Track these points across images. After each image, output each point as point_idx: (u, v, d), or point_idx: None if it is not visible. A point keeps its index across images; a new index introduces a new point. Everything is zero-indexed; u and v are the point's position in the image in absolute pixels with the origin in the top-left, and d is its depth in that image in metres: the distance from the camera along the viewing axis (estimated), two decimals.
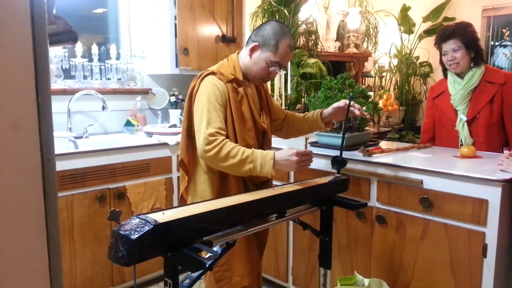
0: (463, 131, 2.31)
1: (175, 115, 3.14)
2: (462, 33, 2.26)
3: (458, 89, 2.31)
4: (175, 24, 2.95)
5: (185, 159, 1.78)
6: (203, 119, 1.62)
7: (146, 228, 1.10)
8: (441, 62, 2.42)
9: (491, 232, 1.70)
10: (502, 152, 2.25)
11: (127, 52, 3.20)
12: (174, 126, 3.02)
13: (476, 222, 1.73)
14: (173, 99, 3.23)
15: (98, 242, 2.36)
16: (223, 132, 1.62)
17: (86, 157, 2.31)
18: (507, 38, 3.75)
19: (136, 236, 1.08)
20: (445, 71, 2.43)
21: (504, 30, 3.80)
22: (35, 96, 0.48)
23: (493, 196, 1.68)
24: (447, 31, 2.31)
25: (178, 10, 2.93)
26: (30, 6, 0.47)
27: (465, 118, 2.29)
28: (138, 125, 3.03)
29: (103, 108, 2.73)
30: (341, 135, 2.22)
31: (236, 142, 1.68)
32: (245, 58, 1.76)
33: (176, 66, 2.99)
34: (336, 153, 1.81)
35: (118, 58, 3.05)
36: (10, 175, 0.47)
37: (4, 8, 0.46)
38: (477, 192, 1.73)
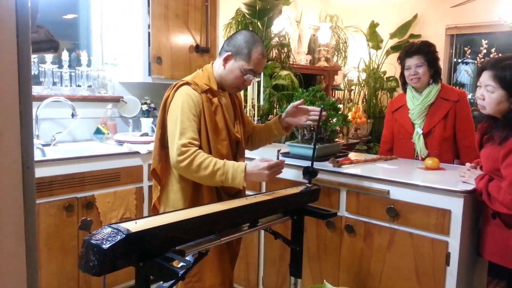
0: (419, 143, 2.43)
1: (147, 123, 3.11)
2: (426, 51, 2.39)
3: (416, 104, 2.44)
4: (149, 33, 2.94)
5: (158, 168, 1.78)
6: (176, 129, 1.62)
7: (118, 238, 1.09)
8: (401, 76, 2.53)
9: (454, 241, 1.77)
10: (453, 164, 2.37)
11: (99, 59, 3.16)
12: (146, 134, 2.99)
13: (440, 231, 1.80)
14: (145, 107, 3.21)
15: (64, 253, 2.30)
16: (196, 143, 1.63)
17: (54, 165, 2.25)
18: (469, 56, 3.95)
19: (108, 245, 1.07)
20: (404, 85, 2.55)
21: (466, 49, 3.99)
22: (18, 104, 0.49)
23: (456, 206, 1.76)
24: (413, 48, 2.43)
25: (151, 19, 2.93)
26: (15, 15, 0.47)
27: (421, 131, 2.42)
28: (108, 133, 2.98)
29: (73, 115, 2.67)
30: (312, 146, 2.28)
31: (209, 152, 1.69)
32: (219, 68, 1.79)
33: (149, 75, 2.98)
34: (307, 163, 1.85)
35: (89, 65, 3.01)
36: None
37: None
38: (440, 202, 1.80)
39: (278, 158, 1.67)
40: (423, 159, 2.32)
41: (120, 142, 2.79)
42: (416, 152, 2.46)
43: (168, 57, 3.04)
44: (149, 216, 1.32)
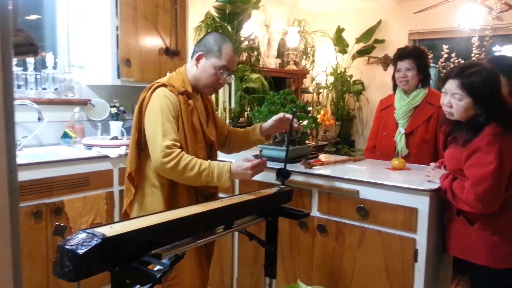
0: (400, 142, 2.53)
1: (116, 127, 3.06)
2: (417, 56, 2.50)
3: (402, 105, 2.54)
4: (117, 35, 2.90)
5: (134, 172, 1.76)
6: (157, 131, 1.61)
7: (94, 242, 1.07)
8: (393, 78, 2.63)
9: (421, 238, 1.85)
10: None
11: (65, 61, 3.08)
12: (116, 138, 2.94)
13: (408, 229, 1.87)
14: (114, 110, 3.15)
15: (33, 260, 2.22)
16: (179, 144, 1.64)
17: (20, 170, 2.17)
18: (431, 61, 4.12)
19: (84, 250, 1.05)
20: (395, 86, 2.65)
21: (428, 53, 4.15)
22: (3, 107, 0.48)
23: (422, 204, 1.84)
24: (405, 51, 2.54)
25: (120, 21, 2.88)
26: None
27: (403, 131, 2.52)
28: (76, 137, 2.91)
29: (39, 119, 2.59)
30: (284, 148, 2.32)
31: (188, 153, 1.69)
32: (192, 70, 1.79)
33: (118, 77, 2.93)
34: (279, 165, 1.88)
35: (55, 67, 2.93)
36: None
37: None
38: (407, 201, 1.87)
39: (260, 158, 1.71)
40: (404, 158, 2.41)
41: (89, 146, 2.73)
42: (397, 150, 2.55)
43: (137, 60, 3.00)
44: (124, 220, 1.31)
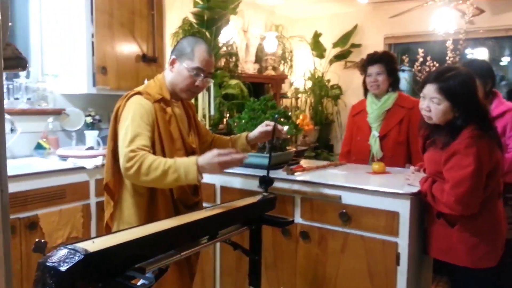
0: (375, 145, 2.57)
1: (92, 136, 2.98)
2: (387, 61, 2.56)
3: (374, 109, 2.59)
4: (93, 42, 2.84)
5: (111, 182, 1.71)
6: (126, 137, 1.57)
7: (76, 259, 1.03)
8: (364, 83, 2.67)
9: (403, 241, 1.86)
10: (405, 167, 2.51)
11: (38, 70, 2.99)
12: (92, 148, 2.87)
13: (389, 233, 1.89)
14: (89, 120, 3.08)
15: None
16: (147, 149, 1.58)
17: None
18: (407, 64, 4.21)
19: (66, 267, 1.01)
20: (366, 91, 2.69)
21: (404, 57, 4.25)
22: None
23: (403, 208, 1.86)
24: (375, 56, 2.60)
25: (95, 28, 2.82)
26: None
27: (377, 134, 2.57)
28: (50, 148, 2.82)
29: (12, 130, 2.51)
30: (265, 155, 2.30)
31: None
32: (168, 75, 1.77)
33: (94, 85, 2.86)
34: (260, 172, 1.87)
35: (28, 76, 2.84)
36: None
37: None
38: (389, 205, 1.89)
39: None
40: (379, 160, 2.45)
41: (64, 157, 2.65)
42: (372, 153, 2.60)
43: (114, 67, 2.94)
44: (106, 234, 1.27)
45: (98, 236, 1.22)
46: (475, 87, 1.75)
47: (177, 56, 1.74)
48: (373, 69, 2.56)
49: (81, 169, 2.52)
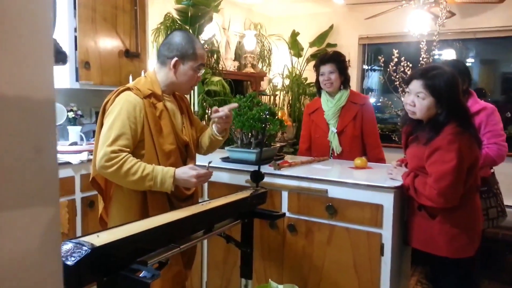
0: (334, 141, 2.73)
1: (75, 132, 2.95)
2: (338, 60, 2.71)
3: (330, 107, 2.74)
4: (75, 37, 2.80)
5: (98, 177, 1.72)
6: (110, 134, 1.59)
7: (83, 253, 1.05)
8: (317, 82, 2.82)
9: (387, 232, 1.96)
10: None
11: None
12: (75, 144, 2.84)
13: (374, 224, 1.98)
14: (71, 115, 3.04)
15: None
16: (128, 150, 1.61)
17: None
18: (382, 64, 4.34)
19: (73, 261, 1.03)
20: (319, 90, 2.84)
21: (380, 57, 4.38)
22: (55, 121, 0.49)
23: (387, 201, 1.95)
24: (326, 56, 2.76)
25: (78, 23, 2.79)
26: None
27: (335, 130, 2.71)
28: None
29: None
30: (250, 151, 2.36)
31: (157, 157, 1.68)
32: (168, 74, 1.77)
33: (77, 80, 2.83)
34: (247, 168, 1.91)
35: None
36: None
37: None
38: (373, 198, 1.98)
39: (207, 169, 1.70)
40: (338, 155, 2.62)
41: None
42: (332, 148, 2.74)
43: (97, 62, 2.92)
44: (108, 228, 1.29)
45: (101, 230, 1.23)
46: (458, 86, 1.86)
47: (179, 58, 1.75)
48: (325, 68, 2.69)
49: (66, 164, 2.50)
